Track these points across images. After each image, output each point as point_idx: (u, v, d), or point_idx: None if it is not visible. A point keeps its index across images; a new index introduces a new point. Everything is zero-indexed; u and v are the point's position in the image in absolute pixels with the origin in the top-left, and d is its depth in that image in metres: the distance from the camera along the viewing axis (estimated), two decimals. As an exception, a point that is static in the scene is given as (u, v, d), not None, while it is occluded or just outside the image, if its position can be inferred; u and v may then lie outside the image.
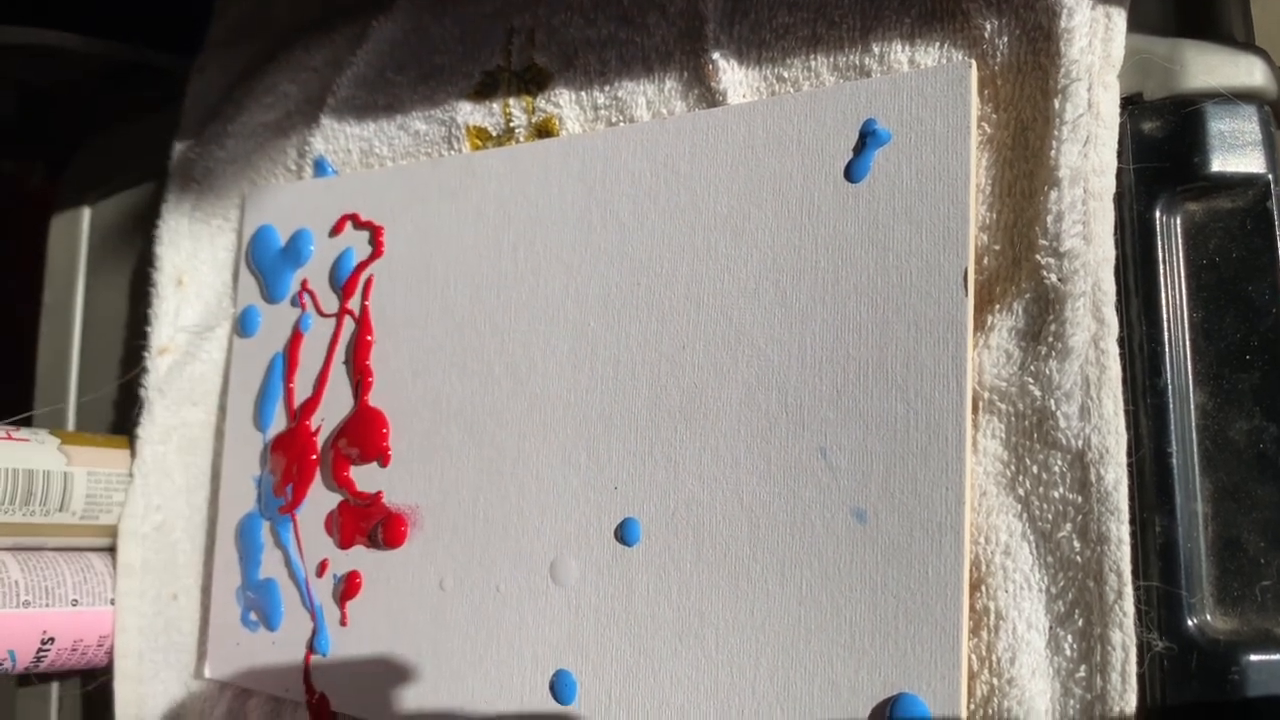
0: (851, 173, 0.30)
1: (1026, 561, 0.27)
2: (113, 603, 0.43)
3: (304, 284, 0.42)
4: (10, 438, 0.41)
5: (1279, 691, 0.25)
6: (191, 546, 0.44)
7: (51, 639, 0.40)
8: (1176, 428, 0.26)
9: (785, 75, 0.32)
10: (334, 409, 0.40)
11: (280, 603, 0.40)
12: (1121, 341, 0.26)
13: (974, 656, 0.27)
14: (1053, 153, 0.27)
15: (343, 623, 0.38)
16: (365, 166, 0.42)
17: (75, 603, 0.41)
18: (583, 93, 0.36)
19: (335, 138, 0.42)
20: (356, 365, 0.39)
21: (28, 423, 0.47)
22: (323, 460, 0.40)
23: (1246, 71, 0.27)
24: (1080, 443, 0.26)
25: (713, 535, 0.31)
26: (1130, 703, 0.25)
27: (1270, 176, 0.27)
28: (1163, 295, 0.27)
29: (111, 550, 0.45)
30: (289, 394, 0.41)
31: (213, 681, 0.42)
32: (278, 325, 0.42)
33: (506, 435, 0.35)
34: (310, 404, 0.40)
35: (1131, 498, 0.26)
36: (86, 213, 0.53)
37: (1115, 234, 0.27)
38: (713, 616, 0.30)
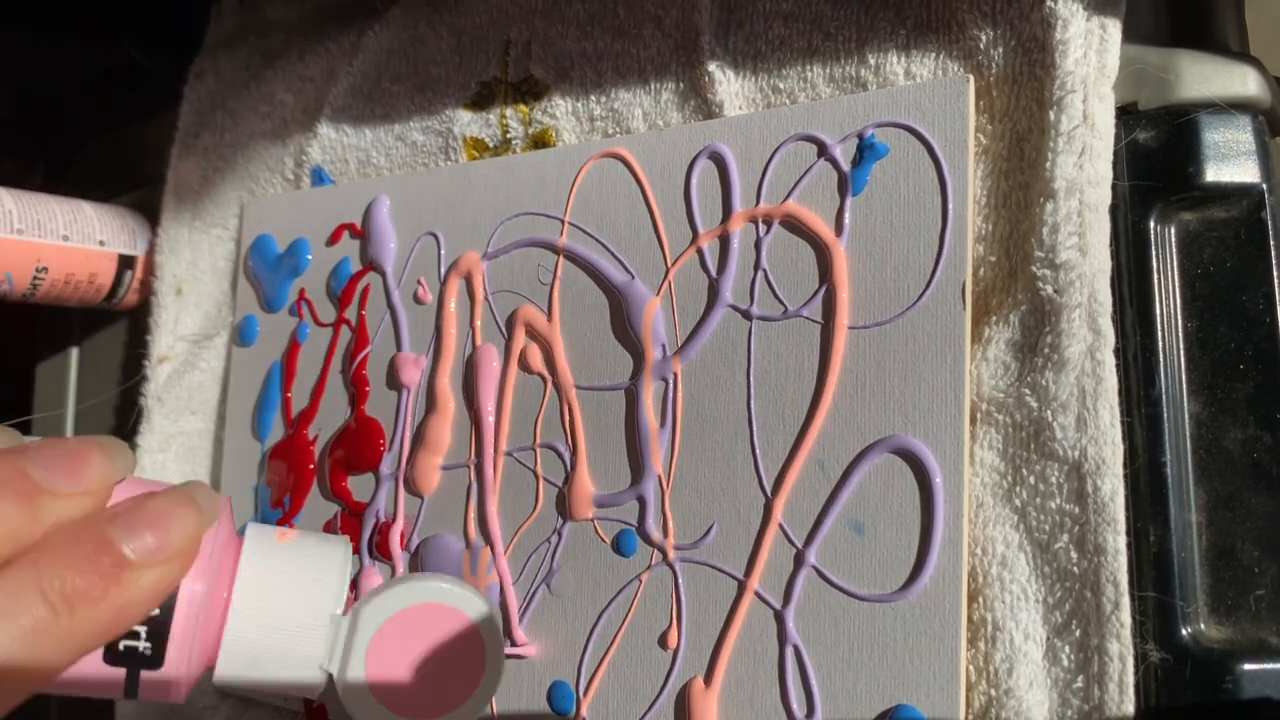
0: (849, 185, 0.30)
1: (1024, 572, 0.27)
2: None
3: (301, 293, 0.42)
4: (9, 446, 0.41)
5: (1273, 700, 0.25)
6: (191, 555, 0.44)
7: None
8: (1171, 438, 0.26)
9: (781, 87, 0.32)
10: (331, 418, 0.40)
11: (280, 612, 0.40)
12: (1117, 352, 0.26)
13: (972, 667, 0.27)
14: (1048, 164, 0.27)
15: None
16: (362, 176, 0.42)
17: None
18: (579, 104, 0.36)
19: (332, 148, 0.42)
20: (353, 375, 0.39)
21: (26, 429, 0.47)
22: (320, 470, 0.40)
23: (1241, 81, 0.27)
24: (1077, 454, 0.26)
25: (710, 546, 0.31)
26: (1128, 713, 0.25)
27: (1264, 186, 0.27)
28: (1157, 305, 0.27)
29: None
30: (287, 403, 0.41)
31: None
32: (276, 334, 0.42)
33: (502, 443, 0.35)
34: (307, 413, 0.40)
35: (1127, 508, 0.26)
36: (84, 220, 0.53)
37: (1110, 244, 0.27)
38: (710, 628, 0.30)
